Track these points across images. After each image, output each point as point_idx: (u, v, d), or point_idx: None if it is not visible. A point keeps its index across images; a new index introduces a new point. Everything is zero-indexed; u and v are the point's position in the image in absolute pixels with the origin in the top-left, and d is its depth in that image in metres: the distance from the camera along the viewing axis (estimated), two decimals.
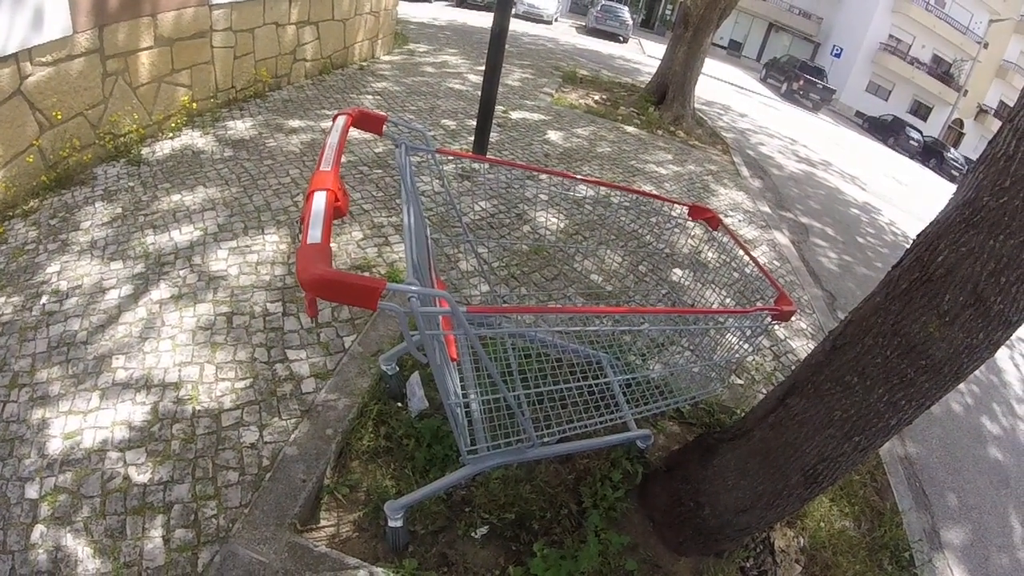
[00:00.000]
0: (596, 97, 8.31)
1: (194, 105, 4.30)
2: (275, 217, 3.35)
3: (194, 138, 4.14)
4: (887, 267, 6.57)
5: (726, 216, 5.44)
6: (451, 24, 11.52)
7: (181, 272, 2.79)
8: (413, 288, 1.09)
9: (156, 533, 1.74)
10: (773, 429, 1.92)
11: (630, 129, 7.12)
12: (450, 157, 4.62)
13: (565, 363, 2.33)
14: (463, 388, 1.92)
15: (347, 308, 2.82)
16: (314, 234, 1.00)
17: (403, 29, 8.79)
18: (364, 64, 6.77)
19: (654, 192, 5.60)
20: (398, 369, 2.39)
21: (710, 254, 4.40)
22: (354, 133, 4.80)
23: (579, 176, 2.18)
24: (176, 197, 3.38)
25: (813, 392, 1.78)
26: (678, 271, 4.12)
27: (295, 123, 4.65)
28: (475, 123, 5.63)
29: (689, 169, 6.36)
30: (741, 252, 2.10)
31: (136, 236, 3.01)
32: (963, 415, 4.01)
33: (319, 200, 1.10)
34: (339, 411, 2.26)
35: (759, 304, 1.91)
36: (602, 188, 5.10)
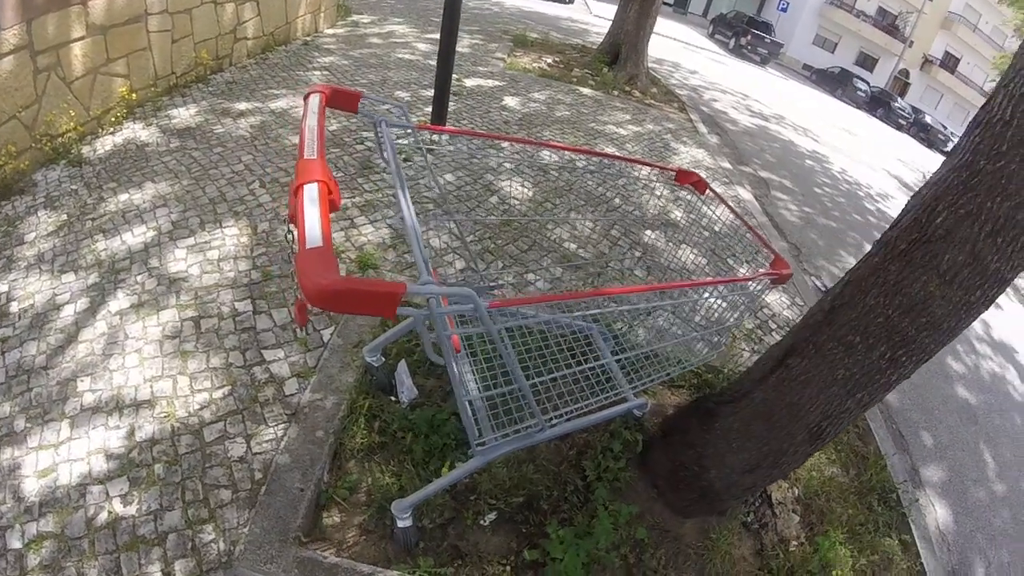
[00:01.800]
0: (549, 60, 8.11)
1: (133, 96, 3.95)
2: (232, 208, 3.12)
3: (137, 131, 3.81)
4: (845, 216, 6.73)
5: None
6: None
7: (139, 278, 2.57)
8: (435, 289, 0.98)
9: (155, 568, 1.61)
10: (775, 390, 1.91)
11: (586, 91, 6.98)
12: (418, 131, 4.42)
13: (560, 340, 2.27)
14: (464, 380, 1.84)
15: None
16: (313, 236, 0.87)
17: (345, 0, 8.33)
18: (308, 39, 6.35)
19: (639, 158, 5.54)
20: (384, 360, 2.28)
21: (677, 213, 4.39)
22: (289, 106, 4.49)
23: (568, 146, 2.07)
24: (124, 197, 3.11)
25: (815, 352, 1.78)
26: (649, 232, 4.08)
27: (242, 106, 4.34)
28: (429, 93, 5.40)
29: (648, 128, 6.30)
30: (717, 211, 2.06)
31: (86, 243, 2.76)
32: None
33: (311, 194, 0.96)
34: (327, 410, 2.14)
35: (744, 269, 1.88)
36: (568, 153, 5.01)
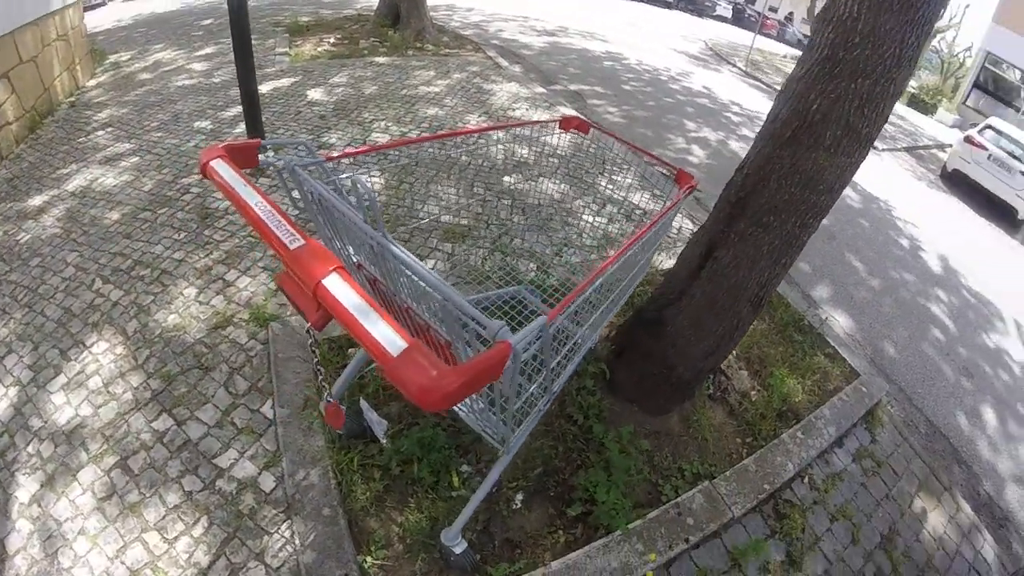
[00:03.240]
0: (332, 40, 7.34)
1: None
2: (87, 320, 2.51)
3: None
4: (658, 103, 7.14)
5: (513, 110, 5.39)
6: (140, 19, 9.15)
7: (29, 449, 1.99)
8: (526, 332, 0.88)
9: None
10: (711, 281, 2.02)
11: (381, 60, 6.46)
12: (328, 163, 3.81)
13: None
14: None
15: (238, 374, 2.31)
16: (391, 340, 0.69)
17: (94, 43, 6.77)
18: (73, 99, 5.12)
19: (521, 120, 5.30)
20: (345, 408, 2.05)
21: (522, 151, 4.36)
22: (91, 180, 3.72)
23: (465, 129, 1.91)
24: None
25: (738, 240, 1.89)
26: (507, 178, 4.02)
27: (36, 201, 3.43)
28: (231, 114, 4.68)
29: (456, 78, 6.02)
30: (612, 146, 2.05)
31: None
32: None
33: (340, 287, 0.75)
34: (318, 486, 1.89)
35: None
36: (410, 128, 4.70)
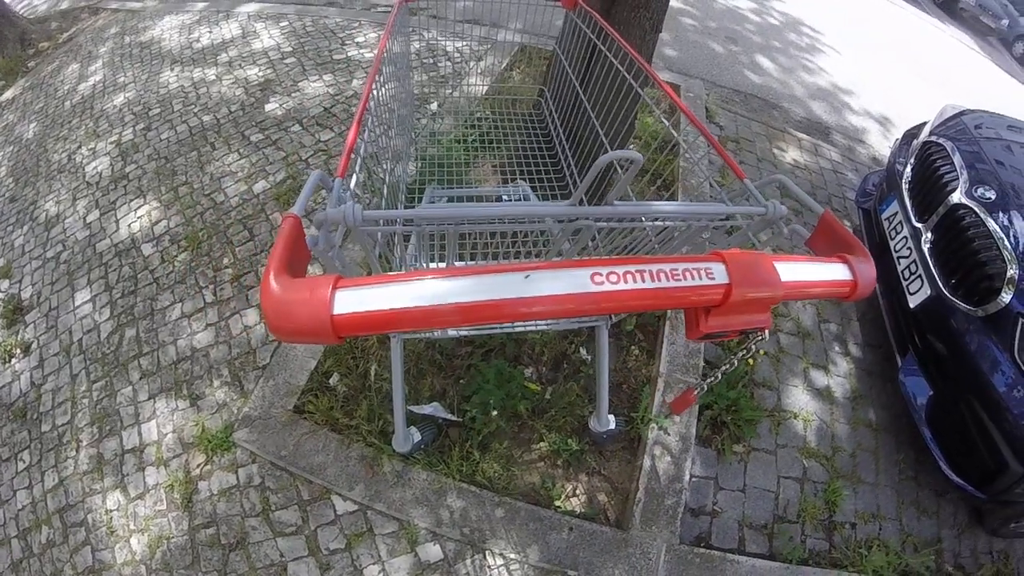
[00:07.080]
0: None
1: None
2: None
3: None
4: None
5: (199, 41, 3.84)
6: None
7: None
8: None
9: None
10: None
11: (9, 95, 4.21)
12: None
13: None
14: None
15: (272, 513, 1.68)
16: (835, 268, 0.63)
17: None
18: None
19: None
20: (411, 434, 1.60)
21: (252, 71, 3.25)
22: None
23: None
24: None
25: (622, 27, 1.65)
26: (268, 106, 3.00)
27: None
28: None
29: (105, 54, 4.09)
30: None
31: None
32: None
33: (790, 267, 0.60)
34: (469, 504, 1.60)
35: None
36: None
